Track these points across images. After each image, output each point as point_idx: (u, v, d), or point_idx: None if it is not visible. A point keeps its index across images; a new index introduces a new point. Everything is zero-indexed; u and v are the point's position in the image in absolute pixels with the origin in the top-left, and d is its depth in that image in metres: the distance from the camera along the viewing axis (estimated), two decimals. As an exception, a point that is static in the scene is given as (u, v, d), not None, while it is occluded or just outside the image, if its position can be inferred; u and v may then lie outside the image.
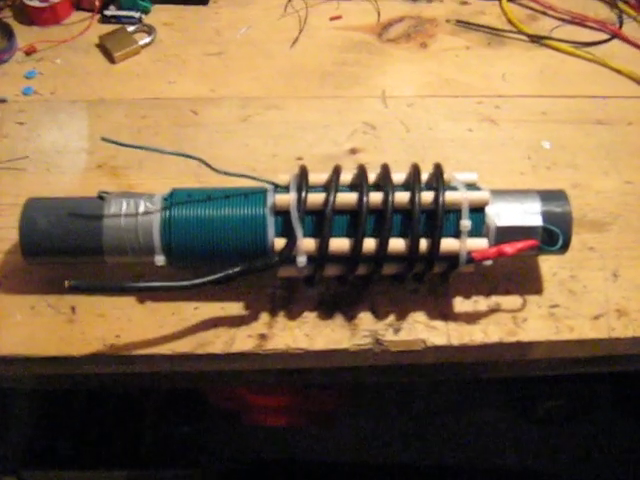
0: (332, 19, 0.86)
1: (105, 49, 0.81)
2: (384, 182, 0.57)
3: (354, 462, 1.27)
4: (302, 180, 0.57)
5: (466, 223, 0.56)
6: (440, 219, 0.55)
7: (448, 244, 0.56)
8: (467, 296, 0.63)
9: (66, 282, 0.52)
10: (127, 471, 1.15)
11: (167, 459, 1.22)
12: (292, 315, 0.61)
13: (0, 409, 1.11)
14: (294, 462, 1.26)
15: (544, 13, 0.87)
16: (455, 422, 1.32)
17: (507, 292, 0.63)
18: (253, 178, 0.57)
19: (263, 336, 0.60)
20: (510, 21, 0.86)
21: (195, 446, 1.25)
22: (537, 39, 0.84)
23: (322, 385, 1.12)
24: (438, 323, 0.61)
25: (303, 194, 0.55)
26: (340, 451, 1.28)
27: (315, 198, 0.56)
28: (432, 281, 0.63)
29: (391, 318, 0.61)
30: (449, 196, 0.56)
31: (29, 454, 1.13)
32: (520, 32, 0.85)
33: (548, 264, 0.65)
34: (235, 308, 0.61)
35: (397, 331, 0.61)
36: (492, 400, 1.34)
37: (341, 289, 0.62)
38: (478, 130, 0.75)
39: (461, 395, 1.33)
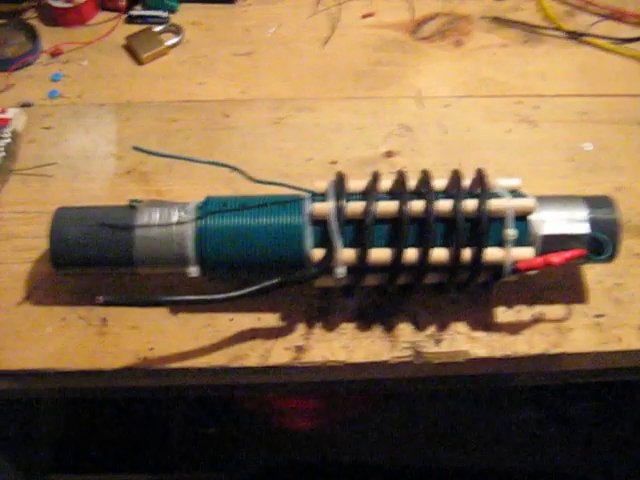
0: (364, 17, 0.84)
1: (132, 50, 0.80)
2: (425, 189, 0.55)
3: (382, 464, 1.26)
4: (340, 188, 0.55)
5: (511, 232, 0.54)
6: (484, 228, 0.53)
7: (492, 254, 0.54)
8: (509, 305, 0.61)
9: (98, 298, 0.50)
10: (155, 474, 1.15)
11: (194, 461, 1.21)
12: (329, 326, 0.59)
13: (28, 414, 1.10)
14: (322, 465, 1.25)
15: (582, 8, 0.85)
16: (485, 423, 1.30)
17: (551, 301, 0.61)
18: (289, 186, 0.56)
19: (300, 348, 0.58)
20: (547, 17, 0.84)
21: (222, 448, 1.24)
22: (575, 36, 0.82)
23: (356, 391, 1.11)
24: (480, 334, 0.59)
25: (342, 203, 0.53)
26: (368, 453, 1.26)
27: (354, 207, 0.54)
28: (473, 290, 0.61)
29: (431, 329, 0.60)
30: (494, 204, 0.54)
31: (57, 459, 1.13)
32: (558, 29, 0.82)
33: (593, 272, 0.63)
34: (271, 319, 0.60)
35: (438, 342, 0.59)
36: (522, 401, 1.32)
37: (380, 299, 0.61)
38: (517, 131, 0.73)
39: (491, 396, 1.31)
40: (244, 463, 1.26)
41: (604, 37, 0.81)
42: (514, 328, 0.60)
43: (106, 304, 0.51)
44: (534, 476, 1.28)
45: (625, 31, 0.83)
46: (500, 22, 0.83)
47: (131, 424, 1.18)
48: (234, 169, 0.54)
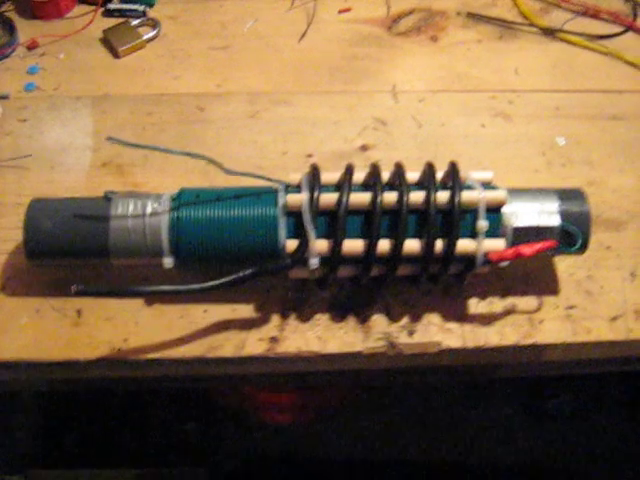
0: (341, 12, 0.84)
1: (109, 43, 0.80)
2: (398, 181, 0.55)
3: (361, 459, 1.26)
4: (314, 180, 0.55)
5: (483, 224, 0.54)
6: (456, 219, 0.54)
7: (464, 245, 0.55)
8: (482, 297, 0.62)
9: (72, 287, 0.50)
10: (134, 469, 1.14)
11: (174, 456, 1.21)
12: (304, 317, 0.60)
13: (6, 408, 1.10)
14: (301, 459, 1.25)
15: (556, 5, 0.85)
16: (463, 418, 1.31)
17: (523, 293, 0.62)
18: (264, 178, 0.56)
19: (274, 339, 0.59)
20: (522, 13, 0.84)
21: (202, 444, 1.24)
22: (550, 32, 0.82)
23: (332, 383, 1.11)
24: (453, 325, 0.60)
25: (315, 194, 0.54)
26: (347, 448, 1.27)
27: (328, 198, 0.54)
28: (446, 282, 0.61)
29: (405, 320, 0.60)
30: (466, 196, 0.54)
31: (36, 453, 1.12)
32: (532, 25, 0.83)
33: (564, 264, 0.63)
34: (245, 310, 0.60)
35: (411, 333, 0.59)
36: (500, 396, 1.33)
37: (354, 290, 0.61)
38: (491, 126, 0.74)
39: (468, 391, 1.32)
40: (224, 458, 1.26)
41: (578, 33, 0.82)
42: (486, 319, 0.60)
43: (80, 294, 0.51)
44: (512, 471, 1.29)
45: (599, 28, 0.83)
46: (475, 18, 0.84)
47: (110, 419, 1.18)
48: (208, 160, 0.55)
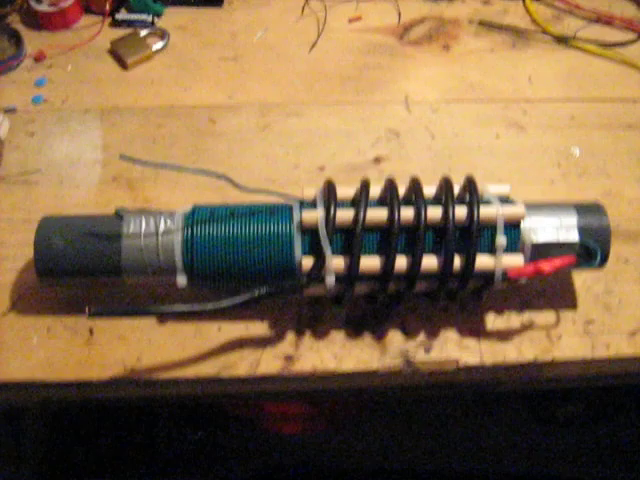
0: (351, 21, 0.83)
1: (117, 55, 0.79)
2: (415, 197, 0.54)
3: (371, 469, 1.26)
4: (329, 196, 0.54)
5: (502, 240, 0.54)
6: (475, 236, 0.53)
7: (483, 262, 0.54)
8: (499, 312, 0.61)
9: (86, 308, 0.49)
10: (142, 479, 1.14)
11: (182, 466, 1.20)
12: (319, 335, 0.59)
13: (14, 422, 1.09)
14: (310, 469, 1.24)
15: (570, 12, 0.85)
16: (473, 426, 1.30)
17: (540, 307, 0.61)
18: (278, 194, 0.55)
19: (289, 357, 0.58)
20: (535, 21, 0.83)
21: (210, 453, 1.23)
22: (563, 40, 0.81)
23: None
24: (470, 341, 0.59)
25: (332, 211, 0.53)
26: (357, 458, 1.26)
27: (344, 215, 0.53)
28: (463, 297, 0.60)
29: (422, 337, 0.59)
30: (484, 212, 0.53)
31: (44, 467, 1.12)
32: (545, 33, 0.82)
33: (582, 278, 0.63)
34: (260, 328, 0.59)
35: (428, 350, 0.59)
36: (510, 404, 1.32)
37: (370, 307, 0.60)
38: (505, 136, 0.73)
39: (478, 399, 1.31)
40: (233, 468, 1.25)
41: (592, 41, 0.81)
42: (504, 335, 0.60)
43: (94, 315, 0.50)
44: (522, 478, 1.29)
45: (612, 35, 0.82)
46: (488, 26, 0.83)
47: (118, 431, 1.17)
48: (223, 178, 0.54)
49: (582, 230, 0.56)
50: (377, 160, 0.70)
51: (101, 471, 1.13)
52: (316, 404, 1.14)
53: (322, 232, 0.52)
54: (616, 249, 0.63)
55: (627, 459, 1.25)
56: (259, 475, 1.23)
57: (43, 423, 1.14)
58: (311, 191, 0.56)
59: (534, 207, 0.57)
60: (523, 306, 0.61)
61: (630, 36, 0.82)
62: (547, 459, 1.27)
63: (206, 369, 0.57)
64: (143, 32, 0.81)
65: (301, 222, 0.54)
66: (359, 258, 0.52)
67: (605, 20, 0.84)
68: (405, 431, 1.28)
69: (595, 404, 1.27)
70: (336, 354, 0.58)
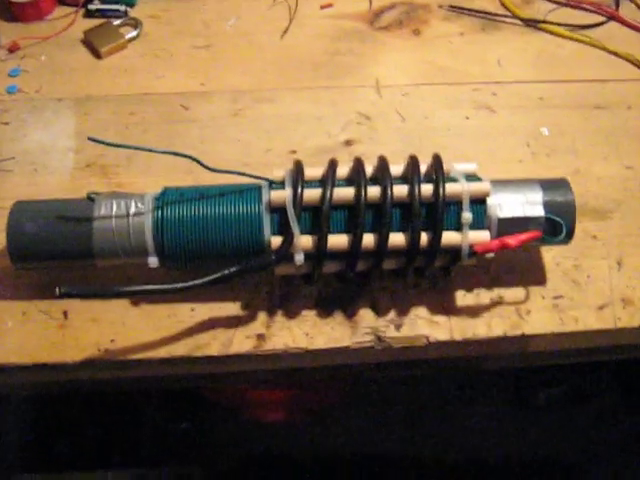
0: (323, 7, 0.84)
1: (90, 44, 0.79)
2: (382, 175, 0.55)
3: (354, 455, 1.27)
4: (297, 175, 0.55)
5: (467, 215, 0.54)
6: (441, 212, 0.54)
7: (449, 237, 0.55)
8: (469, 289, 0.62)
9: (57, 289, 0.50)
10: (127, 470, 1.14)
11: (167, 456, 1.21)
12: (291, 314, 0.60)
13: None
14: (294, 457, 1.25)
15: (539, -4, 0.86)
16: (453, 412, 1.31)
17: (510, 284, 0.62)
18: (247, 175, 0.56)
19: (261, 336, 0.59)
20: (504, 5, 0.84)
21: (195, 443, 1.24)
22: (532, 23, 0.82)
23: (321, 380, 1.11)
24: (440, 318, 0.60)
25: (299, 190, 0.54)
26: (339, 445, 1.27)
27: (311, 194, 0.54)
28: (433, 275, 0.61)
29: (392, 314, 0.60)
30: (449, 188, 0.54)
31: (26, 457, 1.12)
32: (515, 16, 0.83)
33: (551, 254, 0.64)
34: (232, 308, 0.60)
35: (399, 327, 0.59)
36: (492, 388, 1.33)
37: (340, 286, 0.61)
38: (475, 118, 0.74)
39: (460, 384, 1.32)
40: (218, 457, 1.26)
41: (561, 24, 0.82)
42: (474, 311, 0.61)
43: (64, 295, 0.50)
44: (505, 463, 1.30)
45: (581, 18, 0.83)
46: (457, 10, 0.84)
47: (103, 420, 1.18)
48: (191, 158, 0.54)
49: (547, 205, 0.57)
50: (348, 143, 0.71)
51: (85, 461, 1.13)
52: (294, 391, 1.15)
53: (290, 211, 0.53)
54: (584, 226, 0.65)
55: (607, 440, 1.27)
56: (244, 463, 1.24)
57: (26, 412, 1.14)
58: (280, 172, 0.57)
59: (500, 184, 0.58)
60: (492, 283, 0.62)
61: (599, 18, 0.83)
62: (528, 442, 1.28)
63: (179, 349, 0.58)
64: (116, 22, 0.81)
65: (270, 202, 0.54)
66: (327, 236, 0.53)
67: (574, 3, 0.84)
68: (386, 419, 1.30)
69: (575, 387, 1.28)
70: (307, 332, 0.59)
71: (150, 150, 0.55)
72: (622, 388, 1.31)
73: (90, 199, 0.56)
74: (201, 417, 1.26)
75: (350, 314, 0.60)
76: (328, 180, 0.54)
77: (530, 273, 0.63)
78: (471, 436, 1.28)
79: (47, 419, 1.15)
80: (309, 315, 0.60)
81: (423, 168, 0.57)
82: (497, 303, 0.61)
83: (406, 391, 1.30)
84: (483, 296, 0.61)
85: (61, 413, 1.15)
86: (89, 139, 0.53)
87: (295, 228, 0.53)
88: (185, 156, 0.55)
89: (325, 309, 0.60)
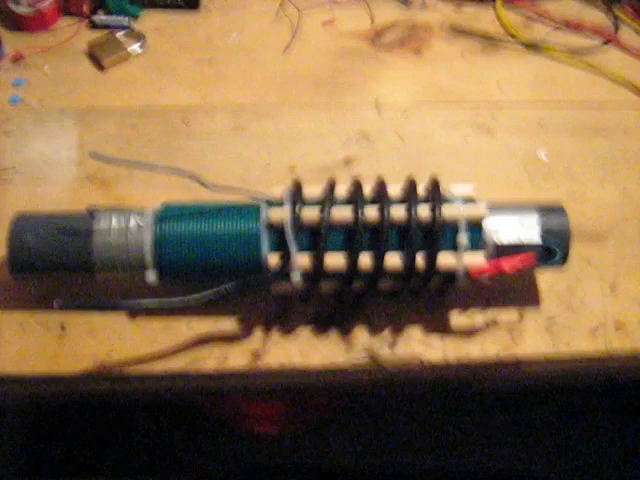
0: (324, 24, 0.85)
1: (94, 56, 0.80)
2: (379, 197, 0.56)
3: (350, 467, 1.27)
4: (296, 194, 0.55)
5: (463, 239, 0.55)
6: (437, 234, 0.54)
7: (445, 260, 0.55)
8: (463, 309, 0.62)
9: (55, 301, 0.50)
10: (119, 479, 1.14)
11: (161, 467, 1.21)
12: (286, 331, 0.60)
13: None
14: (289, 469, 1.25)
15: (539, 19, 0.86)
16: (449, 427, 1.31)
17: (504, 305, 0.62)
18: (246, 193, 0.56)
19: (256, 353, 0.59)
20: (505, 27, 0.85)
21: (189, 454, 1.24)
22: (532, 46, 0.83)
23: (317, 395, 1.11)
24: (434, 338, 0.61)
25: (297, 209, 0.54)
26: (336, 456, 1.27)
27: (310, 214, 0.54)
28: (428, 295, 0.62)
29: (386, 333, 0.61)
30: (446, 211, 0.55)
31: (20, 466, 1.12)
32: (515, 38, 0.84)
33: (545, 276, 0.64)
34: (228, 324, 0.60)
35: (392, 346, 0.60)
36: (486, 405, 1.33)
37: (336, 304, 0.61)
38: (474, 139, 0.74)
39: (456, 400, 1.32)
40: (210, 469, 1.26)
41: (561, 47, 0.83)
42: (467, 333, 0.61)
43: (62, 308, 0.51)
44: (498, 478, 1.30)
45: (581, 41, 0.84)
46: (458, 32, 0.85)
47: (97, 430, 1.18)
48: (191, 177, 0.55)
49: (543, 229, 0.57)
50: (347, 161, 0.72)
51: (78, 471, 1.13)
52: (290, 404, 1.15)
53: (288, 230, 0.54)
54: (579, 250, 0.65)
55: (599, 457, 1.27)
56: (236, 475, 1.24)
57: (21, 423, 1.15)
58: (278, 190, 0.57)
59: (496, 207, 0.58)
60: (487, 304, 0.62)
61: (598, 42, 0.84)
62: (521, 459, 1.28)
63: (175, 364, 0.58)
64: (120, 34, 0.82)
65: (268, 220, 0.55)
66: (323, 255, 0.54)
67: (574, 26, 0.85)
68: (382, 432, 1.29)
69: (568, 405, 1.28)
70: (302, 350, 0.59)
71: (151, 167, 0.56)
72: (614, 406, 1.32)
73: (90, 213, 0.57)
74: (196, 428, 1.26)
75: (345, 332, 0.60)
76: (326, 200, 0.55)
77: (524, 295, 0.63)
78: (465, 452, 1.28)
79: (42, 427, 1.15)
80: (304, 333, 0.60)
81: (421, 189, 0.57)
82: (491, 325, 0.61)
83: (403, 405, 1.30)
84: (477, 317, 0.62)
85: (55, 421, 1.15)
86: (91, 155, 0.54)
87: (292, 247, 0.53)
88: (185, 175, 0.55)
89: (320, 327, 0.60)
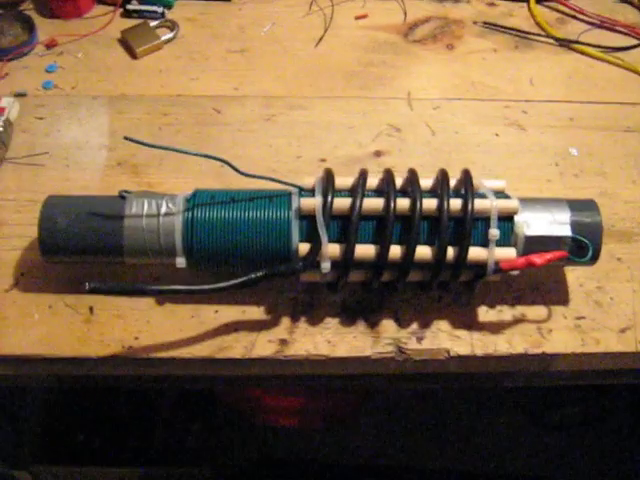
0: (357, 18, 0.85)
1: (127, 44, 0.80)
2: (412, 188, 0.55)
3: (367, 464, 1.27)
4: (328, 184, 0.55)
5: (495, 232, 0.55)
6: (468, 227, 0.54)
7: (476, 253, 0.55)
8: (492, 305, 0.62)
9: (86, 284, 0.51)
10: (139, 468, 1.15)
11: (179, 456, 1.21)
12: (314, 321, 0.60)
13: (14, 404, 1.11)
14: (306, 462, 1.25)
15: (573, 16, 0.86)
16: (470, 427, 1.31)
17: (533, 302, 0.62)
18: (278, 181, 0.56)
19: (284, 341, 0.59)
20: (538, 24, 0.85)
21: (207, 444, 1.24)
22: (565, 43, 0.83)
23: (337, 389, 1.11)
24: (462, 332, 0.60)
25: (329, 198, 0.54)
26: (353, 452, 1.27)
27: (341, 203, 0.54)
28: (456, 289, 0.61)
29: (414, 326, 0.60)
30: (478, 204, 0.55)
31: (42, 449, 1.13)
32: (548, 35, 0.83)
33: (574, 274, 0.64)
34: (256, 312, 0.60)
35: (420, 340, 0.60)
36: (507, 405, 1.33)
37: (364, 295, 0.61)
38: (505, 135, 0.74)
39: (477, 400, 1.32)
40: (228, 459, 1.26)
41: (594, 45, 0.82)
42: (496, 328, 0.61)
43: (93, 291, 0.51)
44: (518, 479, 1.30)
45: (615, 40, 0.84)
46: (491, 27, 0.84)
47: (117, 418, 1.18)
48: (223, 161, 0.55)
49: (574, 225, 0.57)
50: (377, 154, 0.71)
51: (98, 458, 1.14)
52: (311, 398, 1.15)
53: (319, 219, 0.54)
54: (610, 248, 0.65)
55: (621, 460, 1.26)
56: (254, 466, 1.24)
57: (43, 408, 1.15)
58: (310, 179, 0.57)
59: (528, 202, 0.58)
60: (515, 300, 0.62)
61: (632, 41, 0.83)
62: (542, 460, 1.28)
63: (201, 350, 0.58)
64: (153, 23, 0.82)
65: (299, 209, 0.55)
66: (354, 245, 0.54)
67: (608, 25, 0.85)
68: (402, 429, 1.30)
69: (590, 407, 1.27)
70: (330, 340, 0.59)
71: (183, 152, 0.56)
72: (637, 409, 1.31)
73: (122, 197, 0.57)
74: (213, 419, 1.26)
75: (373, 324, 0.60)
76: (358, 190, 0.55)
77: (553, 292, 0.63)
78: (484, 452, 1.28)
79: (63, 413, 1.16)
80: (332, 323, 0.60)
81: (452, 182, 0.57)
82: (519, 320, 0.61)
83: (425, 404, 1.30)
84: (505, 313, 0.61)
85: (77, 408, 1.16)
86: (125, 138, 0.54)
87: (324, 236, 0.53)
88: (217, 159, 0.55)
89: (348, 318, 0.60)
